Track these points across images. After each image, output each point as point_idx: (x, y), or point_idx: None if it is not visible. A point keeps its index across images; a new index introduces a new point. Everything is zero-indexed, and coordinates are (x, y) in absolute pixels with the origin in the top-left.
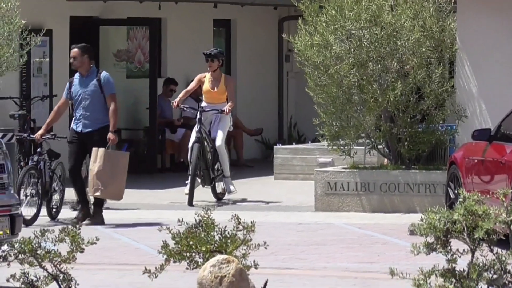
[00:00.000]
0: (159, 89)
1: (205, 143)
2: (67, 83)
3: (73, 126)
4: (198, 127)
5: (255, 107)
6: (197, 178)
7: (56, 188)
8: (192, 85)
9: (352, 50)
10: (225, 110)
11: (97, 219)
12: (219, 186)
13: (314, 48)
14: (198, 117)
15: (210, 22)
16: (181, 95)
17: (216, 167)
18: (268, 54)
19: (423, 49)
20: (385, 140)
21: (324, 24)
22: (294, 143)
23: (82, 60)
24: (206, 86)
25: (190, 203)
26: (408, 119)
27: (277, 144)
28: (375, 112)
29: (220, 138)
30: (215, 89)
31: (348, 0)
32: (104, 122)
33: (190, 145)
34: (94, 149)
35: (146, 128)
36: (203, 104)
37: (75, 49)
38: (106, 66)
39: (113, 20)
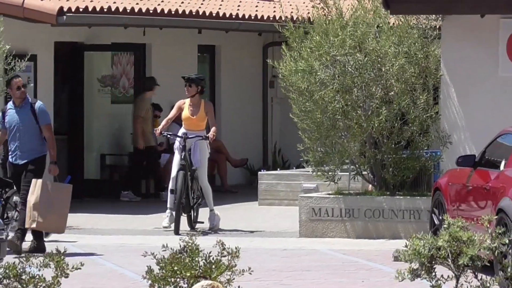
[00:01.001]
0: None
1: (187, 171)
2: (0, 113)
3: (10, 159)
4: (183, 154)
5: (240, 132)
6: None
7: (15, 217)
8: (172, 112)
9: (336, 76)
10: (210, 136)
11: (39, 248)
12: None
13: (299, 73)
14: (181, 144)
15: (194, 48)
16: (163, 123)
17: (192, 194)
18: (253, 80)
19: (408, 75)
20: (369, 166)
21: (308, 50)
22: (278, 169)
23: (26, 90)
24: (186, 112)
25: (177, 231)
26: (393, 145)
27: (262, 170)
28: (360, 138)
29: (203, 172)
30: (195, 116)
31: (333, 26)
32: (40, 153)
33: (174, 174)
34: (33, 180)
35: (130, 153)
36: (183, 130)
37: (21, 79)
38: (91, 91)
39: (98, 46)
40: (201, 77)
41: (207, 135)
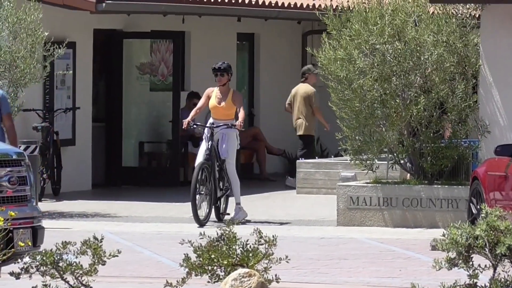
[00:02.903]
0: (182, 102)
1: (215, 161)
2: None
3: None
4: (210, 144)
5: (278, 120)
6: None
7: None
8: (201, 102)
9: (375, 64)
10: (237, 124)
11: None
12: (221, 206)
13: (338, 62)
14: (208, 134)
15: (233, 36)
16: (192, 113)
17: (220, 185)
18: (292, 68)
19: (447, 64)
20: (407, 155)
21: (347, 38)
22: (317, 157)
23: None
24: (213, 101)
25: (199, 222)
26: (431, 134)
27: (300, 158)
28: (398, 127)
29: (231, 163)
30: (222, 104)
31: (372, 15)
32: None
33: (197, 162)
34: None
35: (169, 141)
36: (211, 120)
37: None
38: (130, 79)
39: (137, 33)
40: (229, 65)
41: (234, 124)
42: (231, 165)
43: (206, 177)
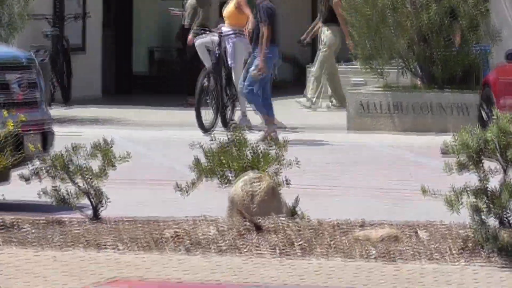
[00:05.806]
0: None
1: (222, 69)
2: None
3: None
4: (217, 52)
5: (288, 28)
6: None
7: None
8: None
9: None
10: (244, 32)
11: None
12: (228, 114)
13: None
14: (216, 41)
15: None
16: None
17: (228, 92)
18: None
19: None
20: (418, 61)
21: None
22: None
23: None
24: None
25: (202, 127)
26: (442, 41)
27: (310, 65)
28: (409, 33)
29: (236, 74)
30: (224, 11)
31: None
32: None
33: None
34: None
35: (179, 49)
36: (224, 27)
37: None
38: None
39: None
40: None
41: (239, 31)
42: (235, 74)
43: (212, 85)
